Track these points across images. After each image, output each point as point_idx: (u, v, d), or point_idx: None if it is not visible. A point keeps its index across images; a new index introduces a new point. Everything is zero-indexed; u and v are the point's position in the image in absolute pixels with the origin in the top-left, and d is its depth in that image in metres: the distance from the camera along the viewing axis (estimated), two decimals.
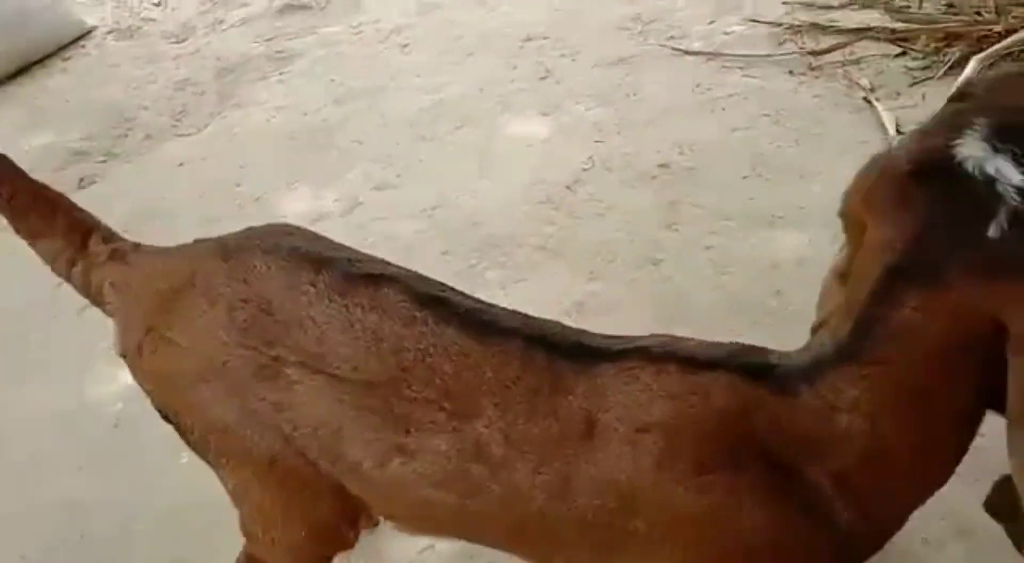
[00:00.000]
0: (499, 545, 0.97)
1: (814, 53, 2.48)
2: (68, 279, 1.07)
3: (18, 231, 1.07)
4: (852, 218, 0.73)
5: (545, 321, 0.90)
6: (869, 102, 2.23)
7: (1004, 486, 0.82)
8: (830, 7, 2.70)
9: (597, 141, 2.30)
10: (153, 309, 0.97)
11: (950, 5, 2.56)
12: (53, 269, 1.08)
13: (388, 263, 0.97)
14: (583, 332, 0.89)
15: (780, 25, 2.64)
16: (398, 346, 0.86)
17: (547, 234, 2.03)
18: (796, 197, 1.96)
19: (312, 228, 1.08)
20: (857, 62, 2.42)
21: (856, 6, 2.69)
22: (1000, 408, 0.68)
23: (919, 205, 0.65)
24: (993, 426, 1.38)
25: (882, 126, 2.13)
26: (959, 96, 0.70)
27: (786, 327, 1.51)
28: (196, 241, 1.04)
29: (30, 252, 1.10)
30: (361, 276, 0.91)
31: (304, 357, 0.89)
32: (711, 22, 2.68)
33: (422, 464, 0.86)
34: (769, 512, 0.76)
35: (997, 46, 2.26)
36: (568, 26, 2.87)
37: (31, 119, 2.90)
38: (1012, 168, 0.60)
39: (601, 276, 1.89)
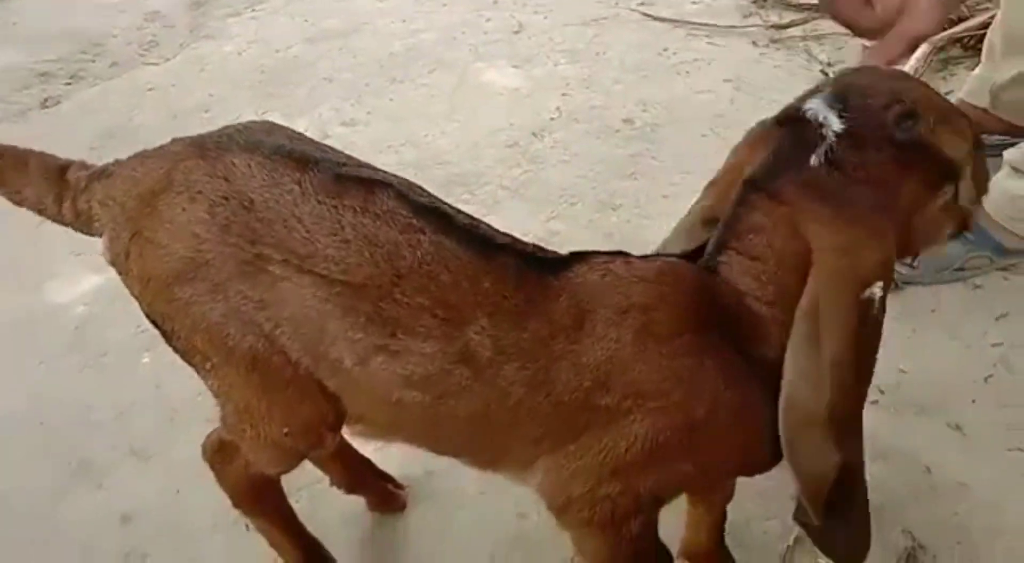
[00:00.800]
0: (457, 449, 1.01)
1: (777, 26, 2.57)
2: (63, 220, 1.05)
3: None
4: (737, 166, 0.89)
5: (527, 242, 0.95)
6: (826, 75, 2.33)
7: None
8: None
9: (565, 94, 2.36)
10: (135, 213, 0.96)
11: None
12: (48, 216, 1.06)
13: (378, 169, 0.97)
14: (557, 253, 0.96)
15: None
16: (393, 252, 0.88)
17: (512, 176, 2.09)
18: None
19: None
20: (818, 38, 2.52)
21: None
22: None
23: (773, 140, 0.85)
24: (917, 361, 1.49)
25: None
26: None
27: None
28: (174, 140, 1.02)
29: None
30: (352, 178, 0.91)
31: (289, 256, 0.90)
32: None
33: (404, 365, 0.89)
34: (724, 371, 0.86)
35: (948, 31, 2.37)
36: None
37: None
38: (836, 120, 0.80)
39: (562, 217, 1.96)
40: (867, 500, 0.87)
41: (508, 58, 2.53)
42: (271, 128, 1.02)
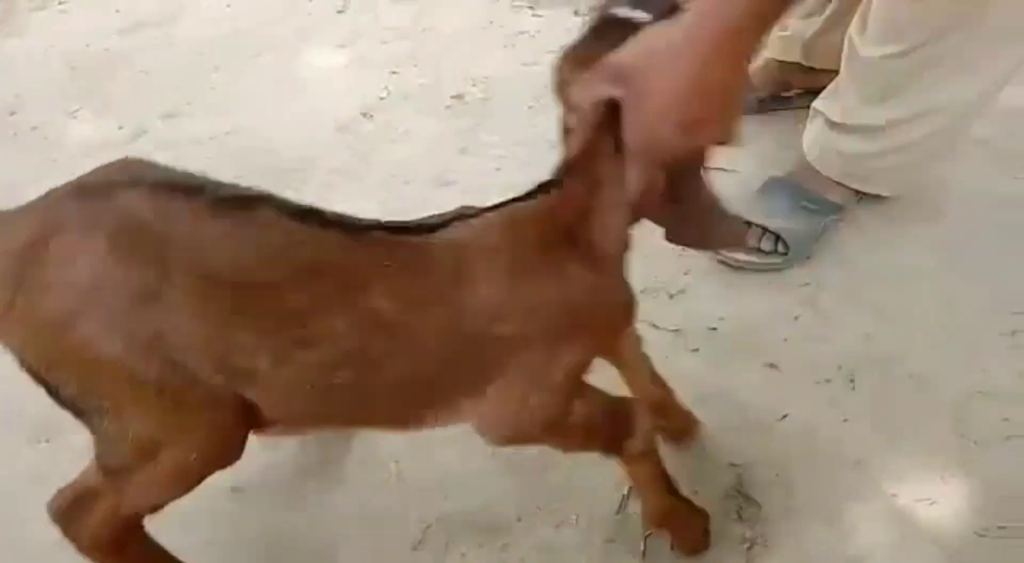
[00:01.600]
0: (386, 417, 1.08)
1: None
2: None
3: None
4: (563, 84, 1.00)
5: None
6: None
7: None
8: None
9: (393, 73, 2.36)
10: (16, 268, 0.92)
11: None
12: None
13: (247, 187, 1.01)
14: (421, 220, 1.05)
15: None
16: (286, 253, 0.93)
17: (343, 159, 2.07)
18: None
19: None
20: None
21: None
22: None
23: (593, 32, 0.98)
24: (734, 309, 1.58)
25: None
26: None
27: None
28: (41, 197, 0.98)
29: None
30: (233, 198, 0.96)
31: (189, 277, 0.91)
32: None
33: (323, 350, 0.94)
34: (588, 273, 1.01)
35: None
36: None
37: None
38: (640, 13, 0.92)
39: (397, 197, 1.96)
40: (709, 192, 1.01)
41: (333, 39, 2.49)
42: (143, 164, 1.05)
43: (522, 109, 2.20)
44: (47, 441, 1.41)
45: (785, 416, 1.44)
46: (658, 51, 0.85)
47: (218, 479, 1.04)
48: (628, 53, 0.88)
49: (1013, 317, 1.57)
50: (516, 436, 1.06)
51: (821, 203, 1.71)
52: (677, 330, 1.54)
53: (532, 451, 1.34)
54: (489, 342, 0.98)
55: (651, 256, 1.66)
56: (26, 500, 1.17)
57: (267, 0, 2.70)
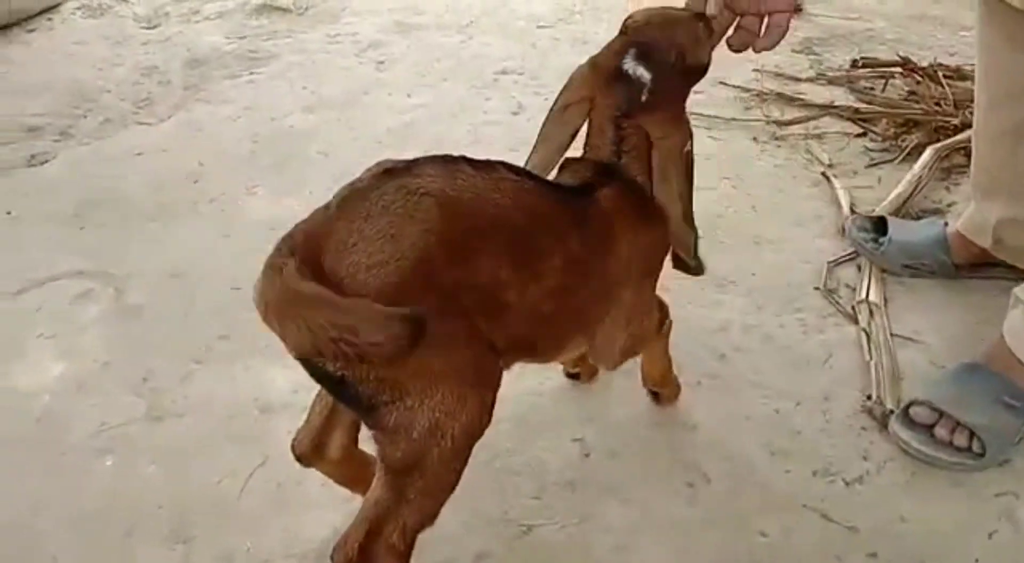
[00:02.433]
0: (557, 343, 1.28)
1: (779, 123, 2.55)
2: None
3: None
4: (575, 97, 1.30)
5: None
6: (827, 177, 2.30)
7: None
8: (798, 79, 2.79)
9: None
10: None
11: (912, 93, 2.66)
12: None
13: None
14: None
15: (748, 91, 2.71)
16: (528, 202, 1.14)
17: None
18: (747, 263, 2.00)
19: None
20: (819, 136, 2.50)
21: (823, 82, 2.78)
22: None
23: (612, 92, 1.27)
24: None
25: (837, 202, 2.19)
26: (623, 30, 1.29)
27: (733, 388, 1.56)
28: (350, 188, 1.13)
29: None
30: (481, 163, 1.14)
31: (484, 225, 1.10)
32: None
33: (543, 284, 1.14)
34: (664, 225, 1.30)
35: (952, 139, 2.35)
36: (541, 63, 2.92)
37: None
38: (644, 71, 1.25)
39: None
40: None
41: (505, 141, 2.48)
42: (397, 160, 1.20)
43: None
44: (184, 542, 1.39)
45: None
46: None
47: None
48: None
49: None
50: (636, 346, 1.41)
51: (1012, 388, 1.54)
52: (852, 527, 1.38)
53: None
54: (616, 283, 1.26)
55: (827, 430, 1.53)
56: None
57: (448, 98, 2.74)
